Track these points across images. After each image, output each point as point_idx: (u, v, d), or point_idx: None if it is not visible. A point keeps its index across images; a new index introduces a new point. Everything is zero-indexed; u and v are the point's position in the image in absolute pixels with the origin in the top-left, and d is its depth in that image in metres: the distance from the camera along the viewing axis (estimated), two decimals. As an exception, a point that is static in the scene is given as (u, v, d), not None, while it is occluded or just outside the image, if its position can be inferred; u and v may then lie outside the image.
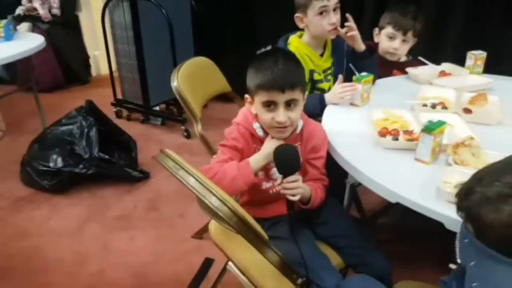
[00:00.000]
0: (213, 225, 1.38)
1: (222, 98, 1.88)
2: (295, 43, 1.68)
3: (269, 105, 1.14)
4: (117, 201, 2.31)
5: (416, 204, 1.00)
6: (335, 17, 1.60)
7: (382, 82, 1.82)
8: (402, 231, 2.05)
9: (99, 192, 2.39)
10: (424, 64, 1.89)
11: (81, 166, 2.35)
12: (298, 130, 1.25)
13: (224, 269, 1.44)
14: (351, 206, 1.79)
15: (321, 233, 1.30)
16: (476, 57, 1.84)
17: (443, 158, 1.17)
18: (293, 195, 1.09)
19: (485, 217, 0.64)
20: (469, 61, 1.86)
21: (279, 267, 1.05)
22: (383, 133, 1.26)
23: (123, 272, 1.81)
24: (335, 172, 1.30)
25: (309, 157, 1.29)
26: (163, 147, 1.03)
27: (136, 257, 1.90)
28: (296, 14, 1.65)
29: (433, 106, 1.48)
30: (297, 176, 1.10)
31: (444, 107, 1.48)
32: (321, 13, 1.57)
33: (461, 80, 1.75)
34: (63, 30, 4.01)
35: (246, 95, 1.23)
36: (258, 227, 0.99)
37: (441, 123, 1.14)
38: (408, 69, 1.87)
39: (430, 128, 1.11)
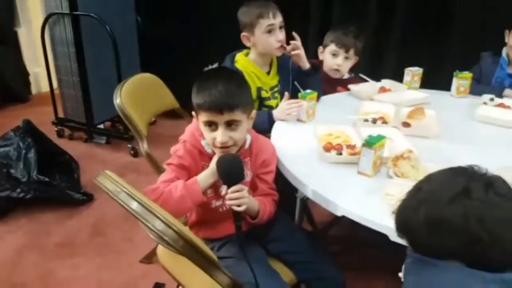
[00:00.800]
0: (161, 248, 1.33)
1: (171, 115, 1.85)
2: (242, 61, 1.69)
3: (210, 125, 1.13)
4: (58, 227, 2.17)
5: (361, 217, 1.03)
6: (281, 35, 1.64)
7: (326, 98, 1.88)
8: (353, 242, 2.09)
9: (39, 218, 2.23)
10: (365, 81, 1.99)
11: (18, 190, 2.20)
12: (247, 146, 1.25)
13: (175, 293, 1.39)
14: (303, 220, 1.82)
15: (273, 249, 1.29)
16: (413, 73, 1.95)
17: (384, 170, 1.22)
18: (238, 206, 1.08)
19: (410, 225, 0.70)
20: (406, 77, 1.98)
21: (229, 288, 1.03)
22: (327, 148, 1.30)
23: (65, 303, 1.70)
24: (286, 187, 1.31)
25: (259, 172, 1.29)
26: (108, 167, 0.98)
27: (80, 286, 1.79)
28: (243, 33, 1.67)
29: (374, 121, 1.55)
30: (241, 186, 1.10)
31: (384, 122, 1.55)
32: (268, 31, 1.62)
33: (399, 96, 1.85)
34: (1, 46, 3.79)
35: (193, 112, 1.21)
36: (206, 249, 0.97)
37: (380, 138, 1.18)
38: (351, 86, 1.95)
39: (370, 143, 1.16)
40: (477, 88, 1.96)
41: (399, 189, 1.06)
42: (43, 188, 2.24)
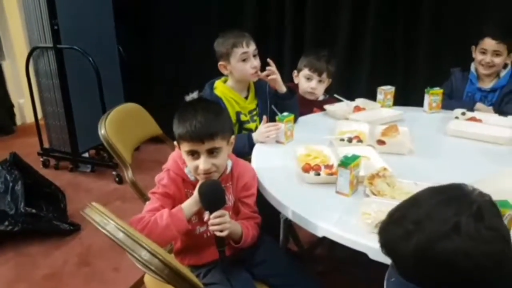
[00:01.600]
0: (148, 277, 1.35)
1: (154, 140, 1.89)
2: (221, 88, 1.76)
3: (192, 153, 1.18)
4: (45, 258, 2.17)
5: (340, 237, 1.07)
6: (256, 62, 1.73)
7: (303, 119, 1.95)
8: (337, 260, 2.11)
9: (26, 250, 2.23)
10: (340, 100, 2.06)
11: (6, 223, 2.20)
12: (228, 171, 1.30)
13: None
14: (289, 240, 1.85)
15: (259, 273, 1.31)
16: (385, 91, 2.03)
17: (362, 189, 1.26)
18: (221, 231, 1.12)
19: (398, 251, 0.71)
20: (379, 96, 2.05)
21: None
22: (306, 169, 1.35)
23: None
24: (268, 208, 1.33)
25: (240, 196, 1.33)
26: (94, 196, 1.02)
27: (69, 317, 1.79)
28: (220, 63, 1.75)
29: (350, 140, 1.61)
30: (222, 212, 1.15)
31: (360, 141, 1.61)
32: (243, 60, 1.69)
33: (373, 114, 1.92)
34: (-17, 79, 3.82)
35: (175, 142, 1.26)
36: (192, 276, 1.00)
37: (355, 157, 1.24)
38: (326, 106, 2.02)
39: (345, 163, 1.21)
40: (449, 103, 2.04)
41: (376, 207, 1.12)
42: (30, 220, 2.24)
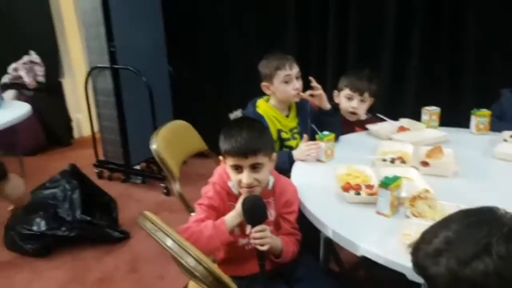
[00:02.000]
0: (192, 286, 1.43)
1: (200, 155, 1.98)
2: (263, 106, 1.84)
3: (236, 168, 1.25)
4: (97, 263, 2.32)
5: (380, 257, 1.08)
6: (298, 84, 1.79)
7: (345, 138, 1.96)
8: (378, 282, 2.08)
9: (80, 254, 2.39)
10: (383, 120, 2.06)
11: (63, 228, 2.39)
12: (270, 187, 1.35)
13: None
14: (330, 260, 1.86)
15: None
16: (430, 112, 2.01)
17: (403, 210, 1.26)
18: (261, 245, 1.17)
19: (429, 270, 0.72)
20: (424, 116, 2.04)
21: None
22: (346, 188, 1.37)
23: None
24: (309, 227, 1.36)
25: (282, 212, 1.37)
26: (143, 206, 1.11)
27: (117, 320, 1.90)
28: (263, 83, 1.83)
29: (392, 160, 1.61)
30: (264, 226, 1.20)
31: (403, 161, 1.61)
32: (285, 81, 1.76)
33: (418, 135, 1.90)
34: (47, 95, 4.15)
35: (220, 157, 1.34)
36: (233, 285, 1.06)
37: (396, 178, 1.25)
38: (369, 126, 2.02)
39: (386, 183, 1.23)
40: (498, 125, 1.97)
41: (417, 229, 1.12)
42: (85, 226, 2.41)
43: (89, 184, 2.64)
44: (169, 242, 1.03)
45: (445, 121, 2.08)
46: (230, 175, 1.30)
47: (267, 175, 1.31)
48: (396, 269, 1.05)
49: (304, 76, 1.83)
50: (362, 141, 1.96)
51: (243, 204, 1.23)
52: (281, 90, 1.78)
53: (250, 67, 1.91)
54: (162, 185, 3.13)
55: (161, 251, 1.06)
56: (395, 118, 2.08)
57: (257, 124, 1.36)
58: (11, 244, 2.43)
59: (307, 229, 1.40)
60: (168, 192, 3.09)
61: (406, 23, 2.66)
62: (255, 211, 1.21)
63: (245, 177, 1.24)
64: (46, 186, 2.53)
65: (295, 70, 1.78)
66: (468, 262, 0.66)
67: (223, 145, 1.27)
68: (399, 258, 1.05)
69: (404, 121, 2.07)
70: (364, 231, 1.19)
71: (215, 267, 1.02)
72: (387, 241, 1.13)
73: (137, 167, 3.40)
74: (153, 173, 3.34)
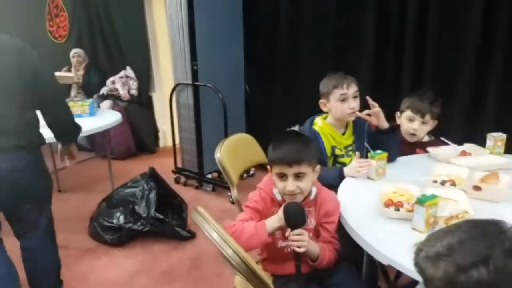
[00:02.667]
0: (238, 279, 1.58)
1: (266, 168, 2.12)
2: (320, 123, 1.94)
3: (282, 176, 1.38)
4: (165, 257, 2.58)
5: (404, 268, 1.13)
6: (354, 103, 1.85)
7: (403, 159, 1.97)
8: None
9: (151, 248, 2.68)
10: (446, 144, 2.03)
11: (139, 223, 2.69)
12: (312, 197, 1.46)
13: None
14: (377, 276, 1.88)
15: None
16: (495, 138, 1.95)
17: (439, 228, 1.29)
18: (298, 247, 1.28)
19: (427, 272, 0.77)
20: (489, 142, 1.97)
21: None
22: (387, 204, 1.42)
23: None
24: (353, 240, 1.42)
25: (322, 221, 1.47)
26: (210, 211, 1.26)
27: (176, 309, 2.11)
28: (321, 100, 1.93)
29: (443, 182, 1.61)
30: (302, 230, 1.30)
31: (453, 184, 1.60)
32: (342, 100, 1.84)
33: (478, 160, 1.86)
34: (138, 107, 4.67)
35: (268, 166, 1.48)
36: (264, 276, 1.18)
37: (433, 197, 1.29)
38: (429, 148, 2.00)
39: (422, 201, 1.27)
40: None
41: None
42: (157, 223, 2.70)
43: (165, 186, 2.94)
44: (214, 235, 1.20)
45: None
46: (275, 182, 1.43)
47: (310, 185, 1.42)
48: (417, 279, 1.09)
49: (376, 97, 1.87)
50: (419, 163, 1.95)
51: (285, 208, 1.34)
52: (336, 108, 1.86)
53: (316, 87, 2.00)
54: (229, 194, 3.35)
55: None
56: (463, 143, 2.04)
57: (303, 137, 1.48)
58: (94, 233, 2.79)
59: (352, 243, 1.47)
60: (234, 201, 3.28)
61: (485, 46, 2.55)
62: (294, 216, 1.32)
63: (289, 184, 1.37)
64: (127, 185, 2.88)
65: (352, 89, 1.84)
66: (465, 270, 0.70)
67: (271, 154, 1.42)
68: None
69: (467, 146, 2.02)
70: (396, 244, 1.23)
71: (249, 259, 1.16)
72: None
73: (209, 176, 3.68)
74: (223, 182, 3.57)
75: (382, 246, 1.22)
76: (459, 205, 1.41)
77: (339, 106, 1.85)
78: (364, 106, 1.91)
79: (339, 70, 1.95)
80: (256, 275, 1.14)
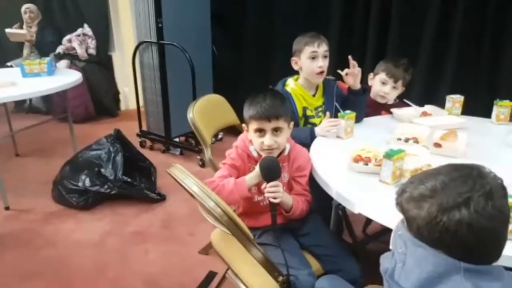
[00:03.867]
0: (214, 234, 1.63)
1: (235, 131, 2.14)
2: (291, 85, 1.98)
3: (260, 131, 1.42)
4: (134, 219, 2.59)
5: (374, 215, 1.23)
6: (323, 62, 1.90)
7: (369, 120, 2.08)
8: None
9: (120, 210, 2.67)
10: (409, 105, 2.15)
11: (106, 186, 2.66)
12: (286, 153, 1.52)
13: (224, 278, 1.67)
14: (343, 230, 2.00)
15: (305, 242, 1.53)
16: (454, 100, 2.09)
17: (405, 180, 1.39)
18: (274, 198, 1.35)
19: (411, 212, 0.81)
20: (448, 104, 2.11)
21: (262, 264, 1.28)
22: (356, 160, 1.51)
23: (136, 280, 2.06)
24: (322, 195, 1.49)
25: (294, 175, 1.55)
26: None
27: (149, 267, 2.15)
28: (292, 58, 1.97)
29: (406, 140, 1.72)
30: (277, 182, 1.37)
31: (416, 141, 1.72)
32: (312, 58, 1.89)
33: (438, 120, 1.99)
34: (97, 67, 4.48)
35: (243, 124, 1.51)
36: (244, 226, 1.23)
37: (400, 151, 1.38)
38: (393, 110, 2.12)
39: (390, 155, 1.36)
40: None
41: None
42: (125, 186, 2.68)
43: (132, 149, 2.91)
44: (194, 188, 1.22)
45: (479, 110, 2.13)
46: (253, 139, 1.47)
47: (285, 140, 1.48)
48: (385, 225, 1.19)
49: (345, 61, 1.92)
50: (384, 123, 2.06)
51: (261, 162, 1.40)
52: (306, 66, 1.91)
53: (290, 50, 2.02)
54: (198, 157, 3.37)
55: (193, 212, 1.23)
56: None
57: (278, 94, 1.52)
58: (58, 197, 2.73)
59: (320, 197, 1.55)
60: (203, 164, 3.32)
61: (448, 14, 2.66)
62: (270, 169, 1.38)
63: (267, 139, 1.42)
64: (92, 147, 2.83)
65: (322, 48, 1.89)
66: (448, 210, 0.75)
67: (248, 111, 1.45)
68: (393, 219, 1.17)
69: (428, 107, 2.15)
70: (364, 194, 1.33)
71: (230, 210, 1.21)
72: (384, 204, 1.25)
73: (177, 139, 3.65)
74: (191, 146, 3.57)
75: (353, 197, 1.31)
76: (422, 160, 1.52)
77: (309, 63, 1.89)
78: (334, 68, 1.97)
79: (313, 29, 1.98)
80: (238, 225, 1.20)
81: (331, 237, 1.55)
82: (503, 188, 0.79)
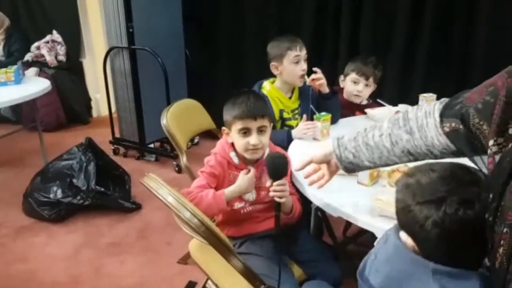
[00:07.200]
0: (193, 244, 1.58)
1: (212, 137, 2.12)
2: (268, 88, 1.97)
3: (245, 131, 1.39)
4: (109, 230, 2.51)
5: (352, 217, 1.23)
6: (305, 65, 1.92)
7: (344, 121, 2.09)
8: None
9: (94, 221, 2.58)
10: (383, 105, 2.17)
11: (78, 197, 2.57)
12: (265, 156, 1.48)
13: (204, 288, 1.63)
14: (323, 232, 2.00)
15: (288, 249, 1.48)
16: (426, 98, 2.11)
17: (382, 181, 1.41)
18: (280, 198, 1.29)
19: (396, 194, 0.84)
20: (420, 102, 2.13)
21: (243, 274, 1.24)
22: (334, 162, 1.50)
23: (113, 293, 1.99)
24: (301, 198, 1.52)
25: None
26: None
27: (125, 279, 2.08)
28: (272, 63, 1.95)
29: (382, 140, 1.73)
30: (284, 181, 1.31)
31: (392, 141, 1.73)
32: (295, 62, 1.89)
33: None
34: (67, 74, 4.34)
35: (223, 128, 1.48)
36: (224, 236, 1.20)
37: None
38: (367, 110, 2.13)
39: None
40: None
41: (390, 196, 1.25)
42: (99, 196, 2.59)
43: (104, 157, 2.82)
44: (169, 198, 1.18)
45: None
46: (236, 141, 1.43)
47: (268, 141, 1.46)
48: (366, 228, 1.19)
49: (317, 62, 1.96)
50: (359, 123, 2.07)
51: (267, 159, 1.32)
52: (289, 70, 1.90)
53: (264, 53, 2.01)
54: (174, 163, 3.30)
55: (170, 221, 1.18)
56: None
57: (259, 95, 1.53)
58: (29, 210, 2.62)
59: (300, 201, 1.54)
60: (179, 170, 3.25)
61: (417, 11, 2.71)
62: (278, 166, 1.30)
63: (253, 138, 1.38)
64: (63, 157, 2.72)
65: (303, 52, 1.91)
66: (420, 203, 0.77)
67: (232, 111, 1.41)
68: (370, 219, 1.19)
69: (401, 107, 2.17)
70: (343, 196, 1.32)
71: (207, 220, 1.17)
72: (362, 206, 1.26)
73: (152, 145, 3.57)
74: (167, 152, 3.49)
75: (332, 200, 1.30)
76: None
77: (293, 68, 1.90)
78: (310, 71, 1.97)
79: (285, 31, 1.98)
80: (216, 236, 1.16)
81: (312, 241, 1.54)
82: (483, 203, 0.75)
